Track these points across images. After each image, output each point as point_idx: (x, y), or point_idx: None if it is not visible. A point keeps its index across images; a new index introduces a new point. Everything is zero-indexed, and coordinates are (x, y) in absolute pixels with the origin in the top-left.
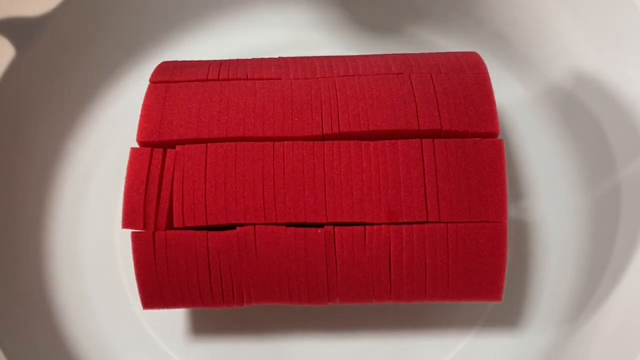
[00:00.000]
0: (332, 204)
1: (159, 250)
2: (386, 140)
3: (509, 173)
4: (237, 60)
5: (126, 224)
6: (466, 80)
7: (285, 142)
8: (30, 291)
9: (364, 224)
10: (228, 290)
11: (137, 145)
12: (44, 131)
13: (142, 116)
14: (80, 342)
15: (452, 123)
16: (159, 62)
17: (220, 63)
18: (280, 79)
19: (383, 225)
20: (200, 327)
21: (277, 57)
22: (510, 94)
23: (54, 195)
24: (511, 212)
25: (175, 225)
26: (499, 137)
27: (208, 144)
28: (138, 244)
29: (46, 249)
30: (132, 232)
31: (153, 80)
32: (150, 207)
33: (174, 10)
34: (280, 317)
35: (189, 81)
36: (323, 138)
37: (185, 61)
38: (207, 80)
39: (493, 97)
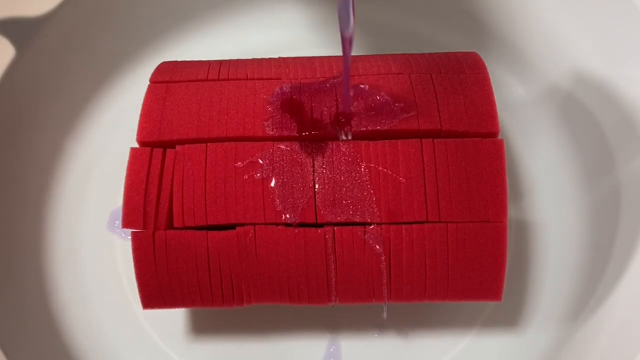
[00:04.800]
0: (332, 203)
1: (159, 250)
2: (386, 140)
3: (509, 173)
4: (237, 60)
5: (126, 223)
6: (466, 80)
7: (284, 142)
8: (30, 291)
9: (364, 224)
10: (228, 290)
11: (137, 145)
12: (44, 131)
13: (142, 116)
14: (80, 342)
15: (452, 123)
16: (159, 62)
17: (220, 63)
18: (280, 79)
19: (383, 225)
20: (200, 327)
21: (277, 57)
22: (510, 94)
23: (54, 195)
24: (511, 212)
25: (175, 225)
26: (499, 137)
27: (208, 144)
28: (138, 243)
29: (46, 249)
30: (132, 232)
31: (153, 80)
32: (150, 207)
33: (174, 11)
34: (280, 317)
35: (188, 81)
36: (323, 138)
37: (185, 61)
38: (207, 80)
39: (493, 97)
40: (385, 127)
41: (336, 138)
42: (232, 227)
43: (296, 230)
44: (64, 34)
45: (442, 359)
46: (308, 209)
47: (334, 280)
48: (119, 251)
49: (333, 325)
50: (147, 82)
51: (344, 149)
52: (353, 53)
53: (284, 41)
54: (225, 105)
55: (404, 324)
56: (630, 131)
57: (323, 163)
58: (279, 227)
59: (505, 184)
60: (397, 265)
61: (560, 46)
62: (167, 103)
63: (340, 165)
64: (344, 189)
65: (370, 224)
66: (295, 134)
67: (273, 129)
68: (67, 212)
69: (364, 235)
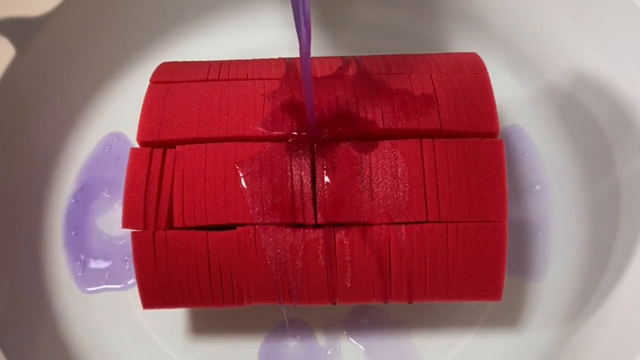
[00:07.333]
0: (332, 203)
1: (159, 250)
2: (386, 140)
3: (509, 173)
4: (237, 60)
5: (126, 223)
6: (466, 80)
7: (285, 142)
8: (31, 291)
9: (364, 224)
10: (228, 290)
11: (137, 145)
12: (44, 131)
13: (142, 116)
14: (81, 342)
15: (452, 123)
16: (159, 63)
17: (221, 63)
18: (280, 79)
19: (383, 225)
20: (200, 327)
21: (277, 57)
22: (510, 94)
23: (53, 195)
24: (511, 212)
25: (175, 225)
26: (499, 137)
27: (208, 144)
28: (138, 244)
29: (46, 249)
30: (132, 232)
31: (153, 81)
32: (150, 207)
33: (174, 11)
34: (280, 317)
35: (189, 81)
36: (323, 138)
37: (186, 62)
38: (207, 80)
39: (493, 97)
40: (385, 127)
41: (336, 138)
42: (232, 227)
43: (296, 230)
44: (64, 34)
45: (442, 359)
46: (308, 209)
47: (334, 280)
48: None
49: (332, 325)
50: (147, 82)
51: (344, 149)
52: (353, 53)
53: (284, 41)
54: (225, 105)
55: (404, 324)
56: (630, 131)
57: (323, 163)
58: (279, 227)
59: (505, 184)
60: (397, 265)
61: (560, 46)
62: (167, 103)
63: (341, 165)
64: (344, 189)
65: (370, 224)
66: (295, 133)
67: (273, 129)
68: (67, 212)
69: (364, 235)
